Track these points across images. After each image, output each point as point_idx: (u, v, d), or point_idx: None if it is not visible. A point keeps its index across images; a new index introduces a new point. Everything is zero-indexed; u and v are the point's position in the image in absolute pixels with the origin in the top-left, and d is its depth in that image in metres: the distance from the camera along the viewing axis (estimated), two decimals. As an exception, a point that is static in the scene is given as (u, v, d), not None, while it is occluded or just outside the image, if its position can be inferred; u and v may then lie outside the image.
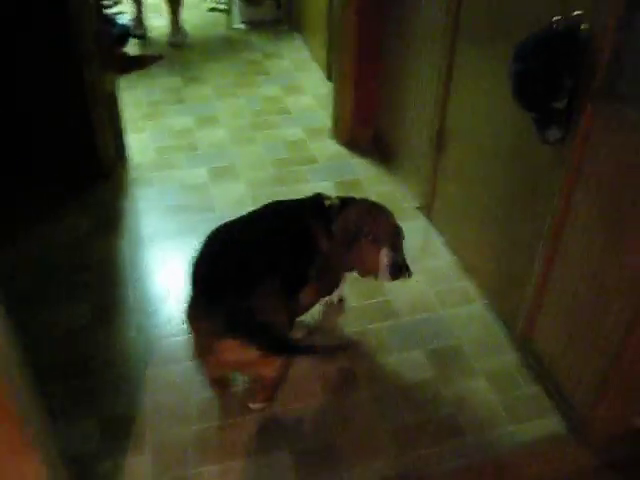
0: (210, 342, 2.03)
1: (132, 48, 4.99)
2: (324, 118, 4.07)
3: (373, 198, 3.33)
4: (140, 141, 3.91)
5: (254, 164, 3.72)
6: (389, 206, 3.32)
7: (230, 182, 3.57)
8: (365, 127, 3.84)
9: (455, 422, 2.40)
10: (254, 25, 5.40)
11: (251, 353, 1.99)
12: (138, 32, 5.08)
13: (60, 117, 3.36)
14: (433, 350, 2.65)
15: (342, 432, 2.34)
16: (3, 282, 1.60)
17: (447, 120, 2.94)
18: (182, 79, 4.61)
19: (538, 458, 2.32)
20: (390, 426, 2.36)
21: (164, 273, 2.99)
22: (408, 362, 2.60)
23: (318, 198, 2.41)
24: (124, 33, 4.75)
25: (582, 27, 1.94)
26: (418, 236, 3.23)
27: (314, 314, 2.69)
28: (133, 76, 4.66)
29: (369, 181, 3.60)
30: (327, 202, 2.38)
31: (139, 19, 5.11)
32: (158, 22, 5.31)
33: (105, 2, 4.50)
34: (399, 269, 2.24)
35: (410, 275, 2.31)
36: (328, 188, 3.51)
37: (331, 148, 3.88)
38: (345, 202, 2.38)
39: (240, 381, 2.49)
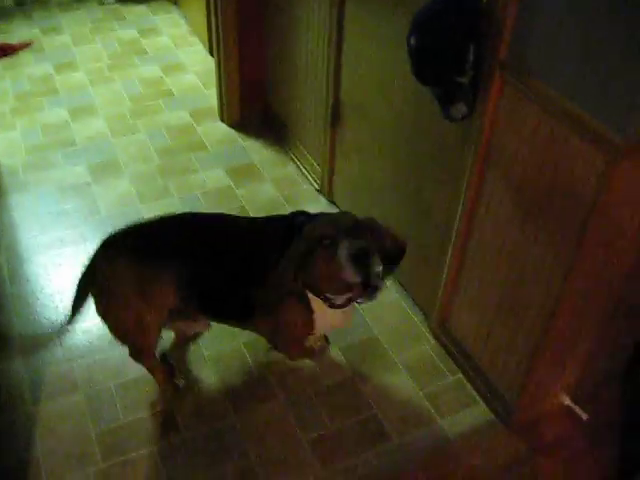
0: None
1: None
2: (210, 98, 3.80)
3: (270, 182, 3.18)
4: (10, 140, 3.56)
5: (138, 156, 3.43)
6: (288, 190, 3.17)
7: (113, 178, 3.28)
8: (255, 105, 3.60)
9: (379, 423, 2.27)
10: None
11: None
12: None
13: None
14: (348, 346, 2.51)
15: (258, 451, 2.17)
16: None
17: (342, 93, 2.75)
18: (53, 66, 4.23)
19: (470, 450, 2.23)
20: (310, 436, 2.20)
21: (51, 290, 2.70)
22: (323, 362, 2.44)
23: (294, 218, 2.02)
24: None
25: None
26: (321, 219, 3.05)
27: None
28: (-2, 65, 4.25)
29: (264, 165, 3.38)
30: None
31: None
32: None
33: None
34: (361, 256, 1.68)
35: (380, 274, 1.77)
36: (220, 176, 3.29)
37: (220, 131, 3.62)
38: (312, 218, 1.97)
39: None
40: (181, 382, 2.36)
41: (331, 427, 2.25)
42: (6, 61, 4.29)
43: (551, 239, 1.81)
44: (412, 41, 1.86)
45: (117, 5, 4.98)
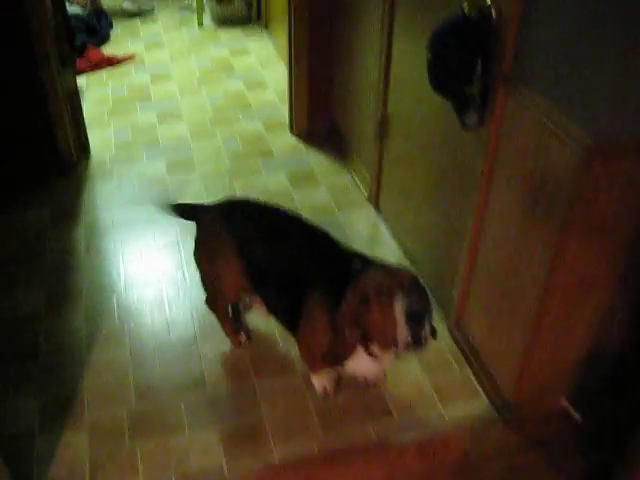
0: None
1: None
2: (284, 112, 4.16)
3: (325, 189, 3.47)
4: (103, 136, 4.01)
5: (211, 157, 3.81)
6: (339, 196, 3.46)
7: (187, 175, 3.67)
8: (321, 120, 3.94)
9: (383, 402, 2.47)
10: (224, 23, 5.51)
11: None
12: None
13: (22, 114, 3.45)
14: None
15: (271, 412, 2.42)
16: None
17: (389, 107, 3.03)
18: (150, 76, 4.71)
19: (464, 437, 2.38)
20: (318, 406, 2.43)
21: (118, 262, 3.08)
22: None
23: (354, 259, 2.11)
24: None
25: (492, 14, 2.02)
26: (367, 226, 3.32)
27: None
28: (103, 73, 4.76)
29: (322, 173, 3.69)
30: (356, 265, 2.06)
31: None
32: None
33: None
34: (416, 317, 1.78)
35: (434, 334, 1.89)
36: (282, 180, 3.61)
37: (288, 141, 3.97)
38: (366, 265, 2.05)
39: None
40: (243, 338, 2.65)
41: (339, 401, 2.46)
42: (110, 70, 4.80)
43: (541, 232, 2.00)
44: (428, 54, 2.12)
45: (214, 28, 5.46)
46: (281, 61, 4.84)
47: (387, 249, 3.15)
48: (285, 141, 3.97)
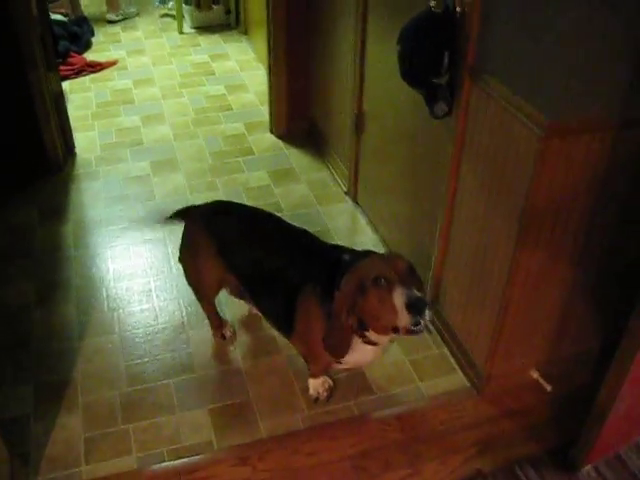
0: None
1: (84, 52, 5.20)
2: (264, 113, 4.28)
3: (305, 184, 3.60)
4: (88, 139, 4.12)
5: (194, 157, 3.94)
6: (319, 191, 3.59)
7: (170, 173, 3.79)
8: (300, 119, 4.07)
9: (364, 380, 2.60)
10: (204, 29, 5.65)
11: None
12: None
13: (9, 115, 3.55)
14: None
15: (258, 391, 2.55)
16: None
17: (364, 103, 3.17)
18: (132, 81, 4.83)
19: (443, 409, 2.52)
20: (303, 385, 2.55)
21: (106, 255, 3.19)
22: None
23: (339, 254, 2.13)
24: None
25: (456, 9, 2.16)
26: (345, 218, 3.46)
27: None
28: (87, 79, 4.87)
29: (302, 169, 3.83)
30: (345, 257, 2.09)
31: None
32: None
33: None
34: (419, 307, 1.80)
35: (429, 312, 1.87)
36: (263, 177, 3.74)
37: (268, 140, 4.11)
38: (357, 256, 2.06)
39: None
40: (227, 333, 2.75)
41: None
42: (94, 76, 4.91)
43: (506, 213, 2.14)
44: (398, 48, 2.26)
45: (195, 34, 5.60)
46: (260, 65, 4.98)
47: (365, 238, 3.29)
48: (265, 140, 4.11)
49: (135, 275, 3.06)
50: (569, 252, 2.22)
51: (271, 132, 4.15)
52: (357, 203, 3.52)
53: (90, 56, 5.15)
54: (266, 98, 4.16)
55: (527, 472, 2.27)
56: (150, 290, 2.98)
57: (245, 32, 5.53)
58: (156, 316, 2.84)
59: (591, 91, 1.86)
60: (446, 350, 2.73)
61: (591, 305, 2.47)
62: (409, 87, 2.35)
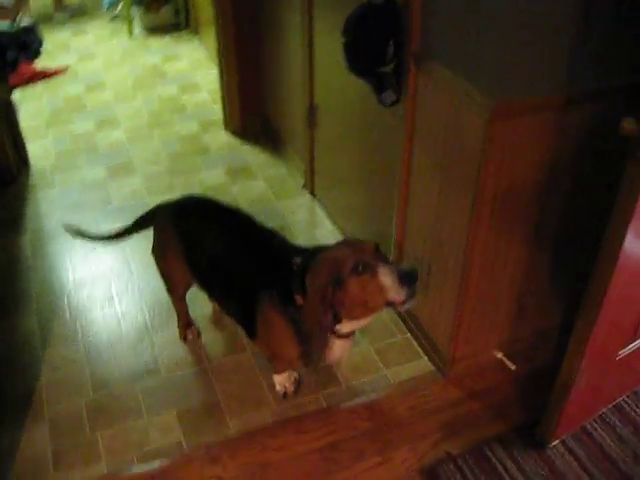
0: None
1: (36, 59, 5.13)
2: (218, 112, 4.27)
3: (262, 181, 3.60)
4: (43, 147, 4.07)
5: (150, 159, 3.92)
6: (277, 186, 3.59)
7: (127, 177, 3.76)
8: (254, 116, 4.07)
9: (331, 372, 2.61)
10: (154, 31, 5.61)
11: None
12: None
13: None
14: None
15: (225, 389, 2.55)
16: None
17: (316, 97, 3.18)
18: (84, 87, 4.78)
19: (410, 395, 2.54)
20: (270, 380, 2.55)
21: (66, 263, 3.16)
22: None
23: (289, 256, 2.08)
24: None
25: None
26: (304, 212, 3.46)
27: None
28: (37, 87, 4.81)
29: (258, 166, 3.83)
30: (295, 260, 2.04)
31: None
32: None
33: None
34: (412, 276, 1.82)
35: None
36: (219, 175, 3.74)
37: (223, 138, 4.10)
38: (311, 255, 1.99)
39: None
40: (191, 335, 2.74)
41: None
42: (44, 84, 4.86)
43: (458, 195, 2.17)
44: (343, 39, 2.27)
45: (145, 36, 5.56)
46: (212, 64, 4.95)
47: (325, 231, 3.30)
48: (221, 139, 4.10)
49: (96, 281, 3.04)
50: (524, 232, 2.26)
51: (226, 130, 4.14)
52: (315, 196, 3.53)
53: (40, 63, 5.08)
54: (219, 96, 4.14)
55: (496, 451, 2.30)
56: (112, 295, 2.96)
57: (196, 32, 5.50)
58: (119, 321, 2.82)
59: (534, 70, 1.90)
60: (410, 336, 2.75)
61: (549, 283, 2.51)
62: (357, 77, 2.36)
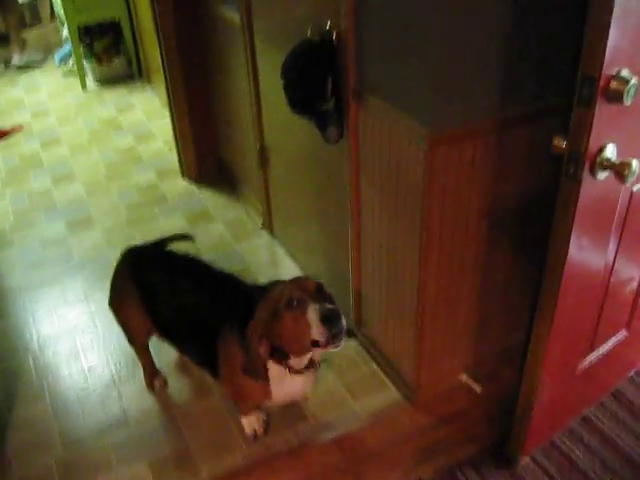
0: None
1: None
2: (174, 160, 4.30)
3: (221, 224, 3.63)
4: (0, 207, 4.06)
5: (109, 212, 3.93)
6: (235, 229, 3.62)
7: (87, 231, 3.77)
8: (209, 160, 4.11)
9: (299, 410, 2.61)
10: (108, 82, 5.66)
11: None
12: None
13: None
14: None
15: (194, 435, 2.54)
16: None
17: (265, 137, 3.23)
18: (40, 144, 4.79)
19: (379, 426, 2.55)
20: (239, 422, 2.54)
21: (29, 322, 3.15)
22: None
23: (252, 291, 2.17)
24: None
25: (332, 34, 2.24)
26: (264, 252, 3.49)
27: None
28: (-9, 148, 4.83)
29: (217, 210, 3.86)
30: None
31: None
32: None
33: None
34: (332, 316, 1.85)
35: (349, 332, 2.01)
36: (178, 222, 3.76)
37: (180, 186, 4.13)
38: (266, 288, 2.08)
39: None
40: (157, 384, 2.74)
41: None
42: (0, 143, 4.86)
43: (406, 225, 2.21)
44: (282, 79, 2.32)
45: (99, 88, 5.60)
46: (166, 112, 4.97)
47: (286, 270, 3.32)
48: (178, 186, 4.13)
49: (60, 338, 3.03)
50: (476, 254, 2.31)
51: (183, 177, 4.18)
52: (274, 235, 3.56)
53: (-6, 123, 5.11)
54: (174, 144, 4.18)
55: (468, 474, 2.32)
56: (77, 352, 2.95)
57: (148, 80, 5.56)
58: (86, 377, 2.82)
59: (468, 97, 1.96)
60: (375, 366, 2.78)
61: (506, 304, 2.56)
62: (300, 116, 2.41)
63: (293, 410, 2.60)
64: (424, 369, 2.51)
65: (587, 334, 2.21)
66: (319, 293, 1.96)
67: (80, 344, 2.99)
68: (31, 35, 6.68)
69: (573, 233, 1.75)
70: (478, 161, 2.08)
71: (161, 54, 3.78)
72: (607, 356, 2.37)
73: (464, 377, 2.65)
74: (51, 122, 5.13)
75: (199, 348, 2.35)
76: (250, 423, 2.49)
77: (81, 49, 5.57)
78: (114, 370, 2.84)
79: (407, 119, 2.03)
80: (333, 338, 1.86)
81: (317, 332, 1.86)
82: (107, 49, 5.66)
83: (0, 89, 5.73)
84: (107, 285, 2.55)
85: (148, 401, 2.70)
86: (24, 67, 5.97)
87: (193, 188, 4.10)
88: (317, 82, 2.26)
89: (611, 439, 2.42)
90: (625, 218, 1.96)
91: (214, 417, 2.60)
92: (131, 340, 2.62)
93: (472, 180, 2.11)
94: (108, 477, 2.42)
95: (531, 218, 2.34)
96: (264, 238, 3.59)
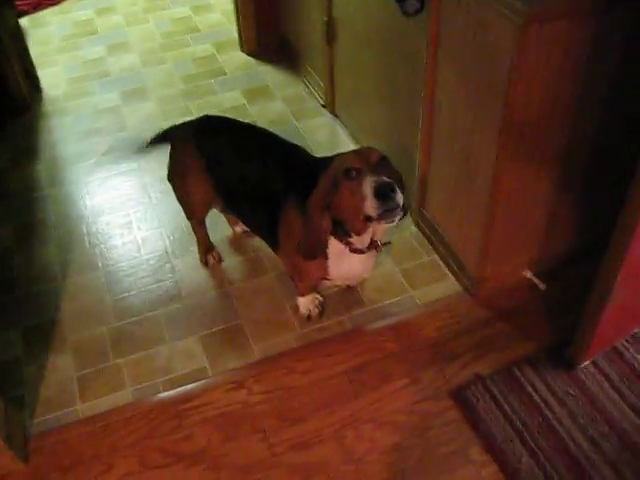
0: None
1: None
2: (233, 32, 4.11)
3: (280, 101, 3.49)
4: (53, 74, 3.96)
5: (164, 83, 3.80)
6: (296, 106, 3.48)
7: (141, 102, 3.66)
8: (271, 34, 3.91)
9: (356, 295, 2.56)
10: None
11: None
12: None
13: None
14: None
15: (249, 313, 2.51)
16: None
17: (334, 11, 3.03)
18: (94, 10, 4.62)
19: (438, 316, 2.48)
20: (293, 302, 2.50)
21: (83, 191, 3.10)
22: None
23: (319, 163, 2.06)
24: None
25: None
26: (325, 132, 3.36)
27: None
28: (46, 12, 4.67)
29: (276, 86, 3.70)
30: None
31: None
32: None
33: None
34: (386, 190, 1.72)
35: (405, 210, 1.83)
36: (236, 97, 3.63)
37: (239, 59, 3.96)
38: (329, 162, 1.97)
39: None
40: (212, 260, 2.69)
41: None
42: (52, 9, 4.70)
43: (487, 110, 2.06)
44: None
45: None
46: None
47: (346, 148, 3.17)
48: (237, 59, 3.96)
49: (114, 208, 2.98)
50: (557, 147, 2.15)
51: (242, 50, 4.00)
52: (336, 115, 3.41)
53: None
54: (233, 16, 3.98)
55: (526, 372, 2.25)
56: (130, 222, 2.90)
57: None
58: (139, 248, 2.78)
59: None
60: (436, 256, 2.68)
61: (582, 200, 2.41)
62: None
63: (350, 294, 2.54)
64: (489, 262, 2.41)
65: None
66: (382, 165, 1.84)
67: (133, 215, 2.94)
68: None
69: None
70: (574, 43, 1.89)
71: None
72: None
73: (528, 273, 2.55)
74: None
75: (261, 220, 2.28)
76: (306, 303, 2.44)
77: None
78: (168, 243, 2.79)
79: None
80: (386, 213, 1.75)
81: (369, 205, 1.75)
82: None
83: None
84: (161, 157, 2.46)
85: (201, 276, 2.65)
86: None
87: (252, 62, 3.93)
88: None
89: (681, 347, 2.32)
90: None
91: (268, 296, 2.56)
92: (189, 214, 2.55)
93: (564, 64, 1.92)
94: (159, 349, 2.41)
95: (621, 116, 2.15)
96: (325, 117, 3.44)
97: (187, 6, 4.56)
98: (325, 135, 3.32)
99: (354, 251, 2.04)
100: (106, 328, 2.49)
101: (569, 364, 2.26)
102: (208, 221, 2.62)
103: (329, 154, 2.90)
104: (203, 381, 2.30)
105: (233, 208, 2.42)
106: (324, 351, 2.36)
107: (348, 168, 1.81)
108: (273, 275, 2.63)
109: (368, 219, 1.82)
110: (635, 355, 2.29)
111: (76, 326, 2.50)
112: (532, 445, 2.05)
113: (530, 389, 2.20)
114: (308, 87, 3.64)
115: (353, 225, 1.93)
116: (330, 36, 3.11)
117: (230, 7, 4.22)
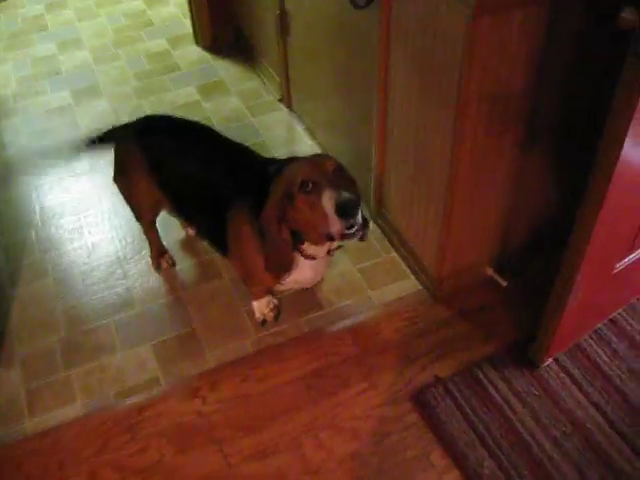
0: None
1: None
2: (187, 26, 4.01)
3: (236, 96, 3.40)
4: (2, 73, 3.83)
5: (117, 80, 3.69)
6: (251, 101, 3.39)
7: (93, 100, 3.55)
8: (225, 27, 3.82)
9: (313, 296, 2.49)
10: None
11: None
12: None
13: None
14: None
15: (202, 319, 2.43)
16: None
17: (286, 2, 2.95)
18: (44, 6, 4.49)
19: (397, 317, 2.42)
20: (249, 307, 2.42)
21: (32, 195, 3.00)
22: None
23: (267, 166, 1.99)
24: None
25: None
26: (281, 127, 3.28)
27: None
28: (-7, 9, 4.53)
29: (232, 80, 3.62)
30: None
31: None
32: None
33: None
34: (349, 208, 1.65)
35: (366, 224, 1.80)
36: (191, 92, 3.53)
37: (194, 53, 3.86)
38: (282, 165, 1.90)
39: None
40: (165, 264, 2.61)
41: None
42: (0, 4, 4.55)
43: (441, 102, 1.99)
44: None
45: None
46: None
47: (304, 146, 3.12)
48: (192, 54, 3.86)
49: (64, 213, 2.88)
50: (514, 137, 2.09)
51: (196, 44, 3.90)
52: (292, 110, 3.33)
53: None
54: (187, 9, 3.87)
55: (487, 373, 2.20)
56: (81, 227, 2.81)
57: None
58: (90, 253, 2.69)
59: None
60: (396, 255, 2.62)
61: (539, 194, 2.36)
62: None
63: (307, 296, 2.48)
64: (448, 259, 2.36)
65: (630, 233, 2.02)
66: (338, 175, 1.76)
67: (84, 219, 2.85)
68: None
69: (633, 121, 1.53)
70: (527, 33, 1.83)
71: None
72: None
73: (489, 271, 2.50)
74: (57, -18, 4.78)
75: (209, 223, 2.20)
76: (260, 307, 2.37)
77: None
78: (119, 247, 2.70)
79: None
80: (349, 231, 1.69)
81: (332, 224, 1.68)
82: None
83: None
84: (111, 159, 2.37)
85: (154, 281, 2.57)
86: None
87: (207, 56, 3.83)
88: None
89: (641, 344, 2.29)
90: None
91: (222, 301, 2.48)
92: (139, 216, 2.46)
93: (517, 52, 1.86)
94: (111, 359, 2.33)
95: (578, 101, 2.10)
96: (281, 112, 3.36)
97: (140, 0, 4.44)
98: (282, 130, 3.24)
99: (307, 257, 1.97)
100: (56, 338, 2.40)
101: (531, 363, 2.22)
102: (160, 224, 2.53)
103: (285, 150, 2.88)
104: (156, 391, 2.23)
105: (180, 210, 2.33)
106: (280, 356, 2.30)
107: (304, 181, 1.72)
108: (228, 278, 2.55)
109: (329, 237, 1.75)
110: (598, 351, 2.26)
111: (25, 336, 2.41)
112: (494, 448, 2.01)
113: (492, 390, 2.15)
114: (264, 82, 3.55)
115: (311, 238, 1.86)
116: (283, 29, 3.03)
117: (184, 0, 4.13)
